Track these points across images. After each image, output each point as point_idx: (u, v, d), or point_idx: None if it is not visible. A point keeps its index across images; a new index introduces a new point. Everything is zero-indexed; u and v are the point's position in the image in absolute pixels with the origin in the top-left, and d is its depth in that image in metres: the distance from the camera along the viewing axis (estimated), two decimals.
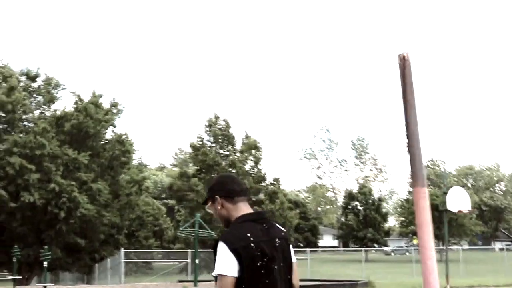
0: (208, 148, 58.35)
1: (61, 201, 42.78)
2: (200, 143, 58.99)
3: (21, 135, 44.79)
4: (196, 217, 31.80)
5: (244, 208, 4.17)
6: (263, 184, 57.39)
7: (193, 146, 59.32)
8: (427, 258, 3.76)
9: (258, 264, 3.91)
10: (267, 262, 3.96)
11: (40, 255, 31.71)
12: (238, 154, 57.49)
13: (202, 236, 35.14)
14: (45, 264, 29.03)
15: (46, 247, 31.40)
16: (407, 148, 3.80)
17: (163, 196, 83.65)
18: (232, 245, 3.88)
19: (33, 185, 42.59)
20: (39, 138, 43.28)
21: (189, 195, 54.89)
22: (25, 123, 49.71)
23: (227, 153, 58.10)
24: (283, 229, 4.26)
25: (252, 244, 3.91)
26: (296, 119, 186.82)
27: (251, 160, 57.47)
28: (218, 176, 4.47)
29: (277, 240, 4.09)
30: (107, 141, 49.93)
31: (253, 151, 57.29)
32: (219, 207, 4.19)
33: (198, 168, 58.50)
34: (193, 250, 35.94)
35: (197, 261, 30.38)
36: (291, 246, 4.29)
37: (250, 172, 56.23)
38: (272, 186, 57.08)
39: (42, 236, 44.33)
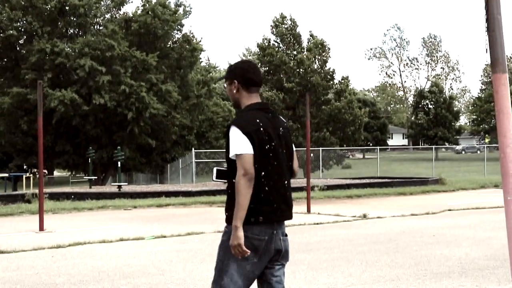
0: (276, 48, 57.87)
1: (130, 102, 43.45)
2: (267, 43, 58.50)
3: (92, 38, 45.21)
4: None
5: (255, 98, 4.48)
6: (331, 83, 56.89)
7: (260, 47, 58.90)
8: (505, 146, 3.66)
9: (267, 147, 4.26)
10: (274, 146, 4.31)
11: (113, 156, 32.47)
12: (305, 53, 56.85)
13: None
14: (119, 164, 29.68)
15: (118, 147, 32.03)
16: (487, 33, 3.65)
17: None
18: (245, 129, 4.20)
19: (103, 87, 43.25)
20: (108, 40, 43.64)
21: None
22: (96, 26, 50.17)
23: (295, 53, 57.50)
24: (284, 120, 4.58)
25: (261, 129, 4.26)
26: (365, 17, 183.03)
27: (319, 60, 56.78)
28: (242, 61, 4.66)
29: (280, 129, 4.44)
30: (175, 42, 50.04)
31: (320, 51, 56.52)
32: (234, 91, 4.49)
33: (266, 68, 58.33)
34: None
35: None
36: (291, 136, 4.63)
37: (318, 70, 55.66)
38: (340, 85, 56.54)
39: (115, 138, 45.34)
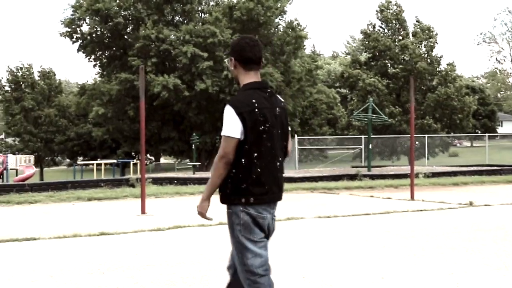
0: (380, 33, 57.01)
1: (233, 88, 43.69)
2: (372, 29, 57.69)
3: (195, 26, 45.77)
4: (369, 101, 31.36)
5: (253, 76, 4.48)
6: (437, 69, 55.55)
7: (364, 33, 58.16)
8: None
9: (261, 128, 4.29)
10: (269, 127, 4.34)
11: (216, 142, 32.75)
12: (411, 38, 55.74)
13: (375, 121, 34.81)
14: None
15: None
16: None
17: (337, 85, 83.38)
18: (239, 109, 4.25)
19: (205, 73, 43.66)
20: (211, 27, 44.03)
21: (361, 83, 54.22)
22: (201, 14, 50.86)
23: (400, 38, 56.46)
24: (282, 99, 4.57)
25: (256, 110, 4.28)
26: (474, 1, 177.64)
27: (425, 45, 55.55)
28: (241, 38, 4.62)
29: (277, 109, 4.46)
30: (278, 29, 49.99)
31: (426, 36, 55.26)
32: (232, 68, 4.56)
33: (370, 55, 57.55)
34: (366, 136, 35.80)
35: (370, 146, 30.25)
36: (288, 116, 4.66)
37: (424, 56, 54.43)
38: (446, 71, 55.06)
39: (218, 124, 45.77)
